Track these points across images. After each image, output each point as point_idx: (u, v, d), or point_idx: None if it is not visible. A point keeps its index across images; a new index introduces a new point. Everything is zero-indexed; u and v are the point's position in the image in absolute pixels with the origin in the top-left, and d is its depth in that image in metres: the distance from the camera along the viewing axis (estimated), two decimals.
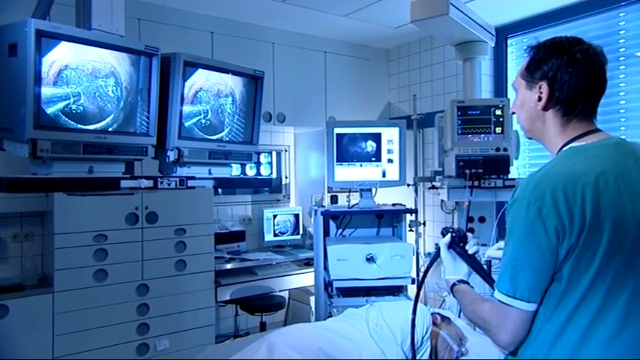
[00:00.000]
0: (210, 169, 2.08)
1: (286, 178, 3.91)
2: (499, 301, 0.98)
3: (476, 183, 2.61)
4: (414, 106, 3.13)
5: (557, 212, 0.91)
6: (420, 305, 1.68)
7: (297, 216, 3.67)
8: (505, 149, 2.65)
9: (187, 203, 2.82)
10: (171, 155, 1.88)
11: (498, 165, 2.61)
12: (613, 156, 0.98)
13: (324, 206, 2.83)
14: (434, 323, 1.80)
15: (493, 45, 3.09)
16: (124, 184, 1.70)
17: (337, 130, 2.72)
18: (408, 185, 3.04)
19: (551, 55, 1.02)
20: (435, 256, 1.35)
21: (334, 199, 3.53)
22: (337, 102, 3.81)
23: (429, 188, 2.94)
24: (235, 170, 3.60)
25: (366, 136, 2.74)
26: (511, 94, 2.72)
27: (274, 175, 3.87)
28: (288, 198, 3.91)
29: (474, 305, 1.08)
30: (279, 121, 3.49)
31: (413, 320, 1.41)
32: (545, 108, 1.05)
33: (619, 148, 1.01)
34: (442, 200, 3.06)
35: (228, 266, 3.10)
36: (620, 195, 0.94)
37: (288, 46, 3.58)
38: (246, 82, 2.18)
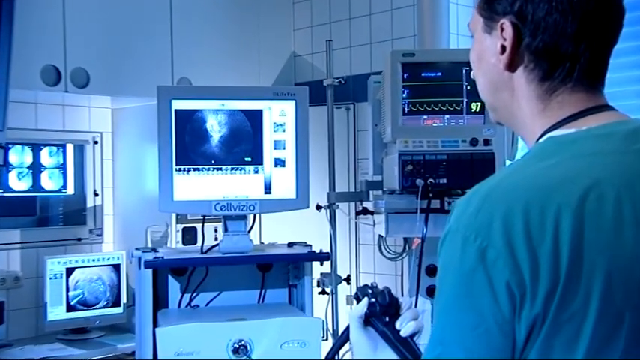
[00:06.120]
0: None
1: (96, 195, 3.94)
2: None
3: (436, 204, 2.66)
4: (329, 62, 3.16)
5: (511, 256, 0.93)
6: None
7: (117, 269, 3.71)
8: (487, 141, 2.72)
9: None
10: None
11: (476, 170, 2.68)
12: (620, 155, 1.01)
13: (156, 250, 2.76)
14: None
15: None
16: None
17: (177, 105, 2.73)
18: (319, 208, 3.08)
19: None
20: (342, 341, 1.40)
21: (189, 235, 3.57)
22: (195, 53, 3.86)
23: (357, 214, 3.02)
24: None
25: (235, 117, 2.77)
26: None
27: (70, 191, 3.88)
28: (101, 234, 3.96)
29: None
30: (78, 86, 3.46)
31: None
32: (510, 65, 1.09)
33: (634, 139, 1.03)
34: (380, 236, 3.14)
35: None
36: (623, 224, 0.96)
37: None
38: None
